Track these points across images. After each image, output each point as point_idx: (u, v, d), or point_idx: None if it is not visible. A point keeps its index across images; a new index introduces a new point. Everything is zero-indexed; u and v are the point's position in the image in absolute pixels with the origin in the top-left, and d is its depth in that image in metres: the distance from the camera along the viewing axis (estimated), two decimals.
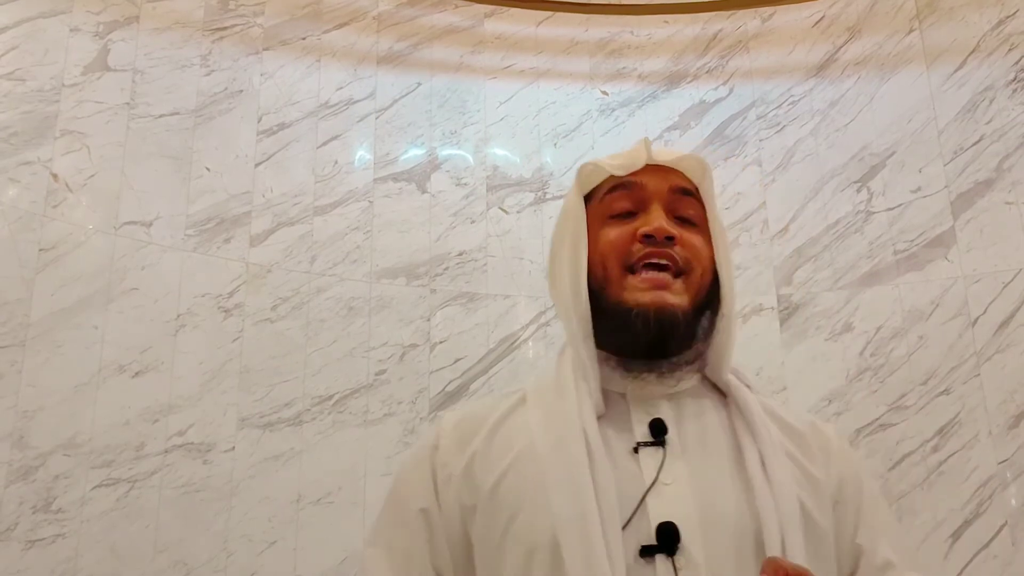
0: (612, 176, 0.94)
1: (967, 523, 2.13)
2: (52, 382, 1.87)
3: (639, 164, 0.94)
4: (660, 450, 0.85)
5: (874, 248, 2.40)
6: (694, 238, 0.92)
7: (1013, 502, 2.12)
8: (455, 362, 2.35)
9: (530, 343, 2.41)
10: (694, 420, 0.90)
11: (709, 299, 0.92)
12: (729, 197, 2.53)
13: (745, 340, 2.39)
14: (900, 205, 2.41)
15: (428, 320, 2.37)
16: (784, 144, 2.55)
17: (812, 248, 2.45)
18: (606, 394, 0.90)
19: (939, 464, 2.19)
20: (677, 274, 0.89)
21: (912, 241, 2.37)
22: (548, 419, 0.89)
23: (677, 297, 0.88)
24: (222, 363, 2.12)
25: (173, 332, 2.06)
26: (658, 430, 0.87)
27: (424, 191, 2.49)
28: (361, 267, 2.36)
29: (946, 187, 2.37)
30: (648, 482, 0.83)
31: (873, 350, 2.32)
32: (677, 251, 0.89)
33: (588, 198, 0.97)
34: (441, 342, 2.36)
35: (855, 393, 2.30)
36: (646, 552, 0.79)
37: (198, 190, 2.20)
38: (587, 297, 0.90)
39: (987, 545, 2.11)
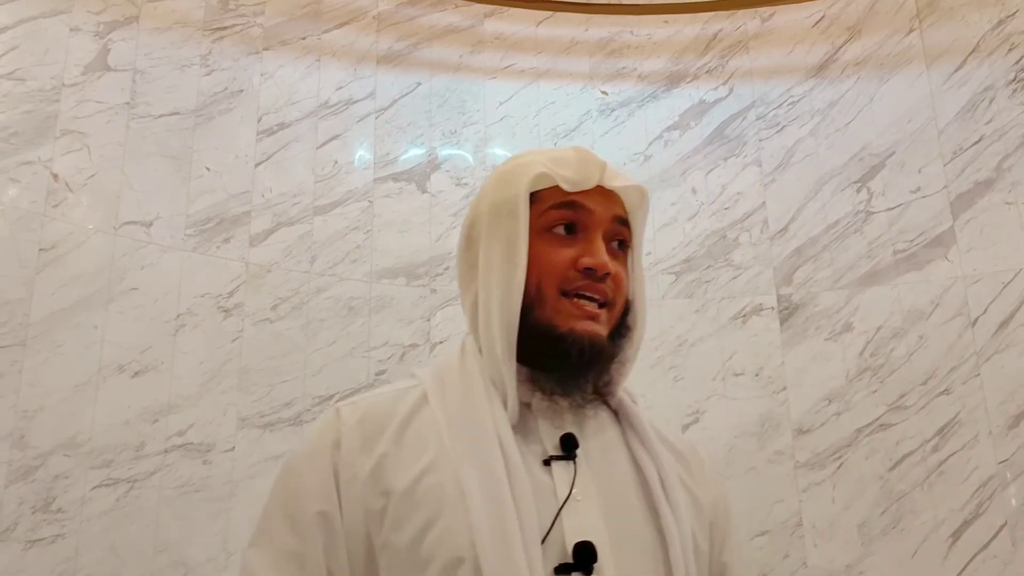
0: (558, 188, 0.92)
1: (967, 523, 2.13)
2: (52, 382, 1.87)
3: (591, 184, 0.92)
4: (571, 464, 0.85)
5: (874, 248, 2.40)
6: (620, 270, 0.93)
7: (1013, 502, 2.12)
8: None
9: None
10: (596, 436, 0.91)
11: (618, 325, 0.94)
12: (729, 197, 2.53)
13: (745, 340, 2.40)
14: (900, 205, 2.41)
15: (428, 320, 2.37)
16: (784, 144, 2.55)
17: (812, 248, 2.45)
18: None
19: (939, 464, 2.19)
20: (603, 306, 0.90)
21: (912, 241, 2.37)
22: (460, 423, 0.86)
23: (603, 328, 0.90)
24: (222, 363, 2.12)
25: (173, 332, 2.06)
26: (569, 444, 0.86)
27: (424, 191, 2.49)
28: (361, 267, 2.36)
29: (946, 187, 2.37)
30: (561, 497, 0.83)
31: (873, 350, 2.32)
32: (608, 285, 0.90)
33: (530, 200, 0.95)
34: (441, 342, 2.36)
35: (855, 393, 2.30)
36: (562, 570, 0.79)
37: (198, 190, 2.20)
38: (518, 313, 0.88)
39: (987, 545, 2.11)
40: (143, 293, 2.05)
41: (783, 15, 2.65)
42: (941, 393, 2.24)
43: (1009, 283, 2.25)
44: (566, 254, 0.90)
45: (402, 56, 2.58)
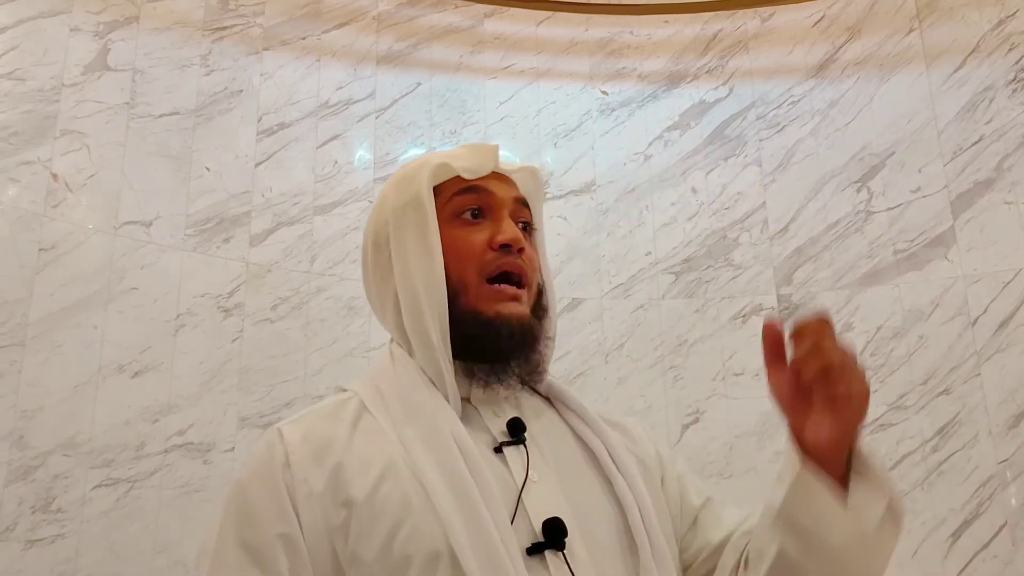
0: (458, 178, 0.94)
1: (967, 523, 2.13)
2: (52, 382, 1.87)
3: (487, 170, 0.95)
4: (522, 448, 0.87)
5: (874, 248, 2.40)
6: (531, 249, 0.95)
7: (1013, 502, 2.12)
8: None
9: None
10: (536, 419, 0.93)
11: (535, 306, 0.95)
12: (729, 197, 2.53)
13: (745, 340, 2.40)
14: (900, 205, 2.41)
15: None
16: (784, 144, 2.55)
17: (812, 248, 2.45)
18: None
19: (939, 464, 2.19)
20: (521, 287, 0.91)
21: (912, 241, 2.37)
22: (408, 423, 0.85)
23: (526, 308, 0.91)
24: (222, 363, 2.11)
25: (173, 332, 2.06)
26: (515, 428, 0.88)
27: None
28: (361, 267, 2.35)
29: (946, 187, 2.37)
30: (519, 480, 0.83)
31: (873, 350, 2.32)
32: (524, 262, 0.91)
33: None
34: None
35: None
36: (534, 550, 0.79)
37: (198, 190, 2.20)
38: (446, 301, 0.89)
39: (987, 545, 2.11)
40: (143, 293, 2.04)
41: (783, 15, 2.65)
42: (941, 393, 2.24)
43: (1009, 283, 2.25)
44: (479, 237, 0.91)
45: (402, 56, 2.58)
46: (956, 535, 2.14)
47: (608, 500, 0.87)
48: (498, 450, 0.87)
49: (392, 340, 0.97)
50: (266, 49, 2.41)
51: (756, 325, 2.41)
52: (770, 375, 0.81)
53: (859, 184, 2.46)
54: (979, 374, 2.21)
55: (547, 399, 0.98)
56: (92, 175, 2.03)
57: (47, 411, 1.84)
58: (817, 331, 0.76)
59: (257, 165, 2.31)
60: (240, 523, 0.82)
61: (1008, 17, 2.44)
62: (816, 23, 2.62)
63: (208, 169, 2.23)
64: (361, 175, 2.44)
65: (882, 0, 2.57)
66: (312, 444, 0.84)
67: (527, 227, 0.96)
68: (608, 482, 0.88)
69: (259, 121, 2.34)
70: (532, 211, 0.98)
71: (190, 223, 2.16)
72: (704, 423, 2.35)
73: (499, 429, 0.89)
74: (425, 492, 0.80)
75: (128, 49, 2.17)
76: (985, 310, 2.25)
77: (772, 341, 0.80)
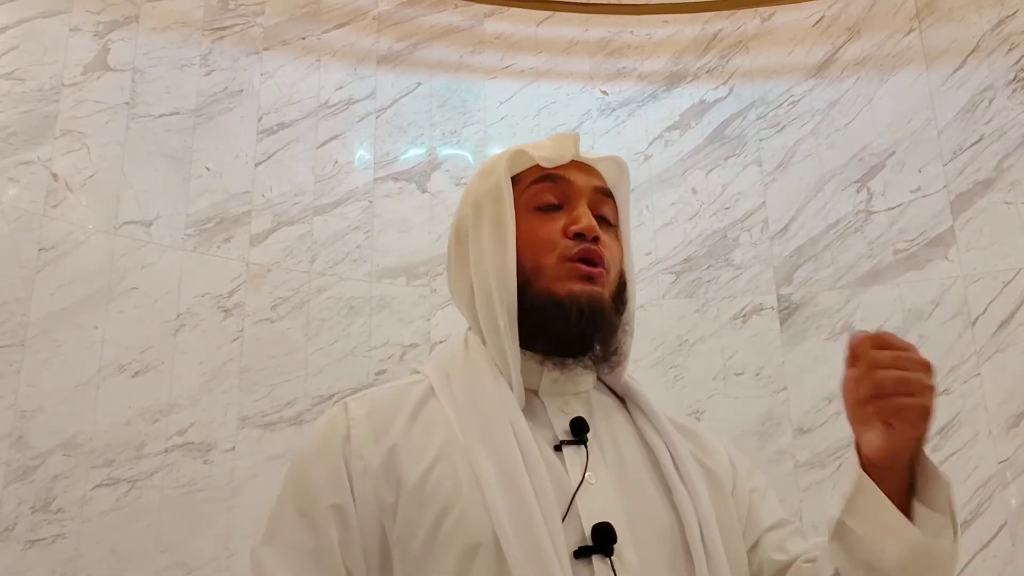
0: (537, 166, 0.94)
1: (967, 523, 2.13)
2: (52, 382, 1.86)
3: (566, 158, 0.94)
4: (582, 448, 0.85)
5: (874, 248, 2.40)
6: (610, 239, 0.93)
7: (1013, 502, 2.12)
8: None
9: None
10: (604, 419, 0.91)
11: (616, 299, 0.93)
12: (729, 197, 2.53)
13: (745, 340, 2.40)
14: (900, 205, 2.41)
15: (428, 320, 2.37)
16: (784, 144, 2.55)
17: (812, 248, 2.45)
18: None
19: (939, 464, 2.18)
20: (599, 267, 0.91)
21: (912, 241, 2.37)
22: (469, 411, 0.85)
23: (604, 289, 0.90)
24: (222, 363, 2.11)
25: (173, 332, 2.06)
26: (578, 428, 0.86)
27: (424, 191, 2.49)
28: (361, 267, 2.36)
29: (946, 187, 2.38)
30: (575, 481, 0.82)
31: None
32: (602, 251, 0.91)
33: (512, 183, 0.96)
34: (441, 342, 2.35)
35: None
36: (581, 553, 0.78)
37: (198, 190, 2.20)
38: (516, 289, 0.88)
39: (987, 545, 2.11)
40: (143, 293, 2.04)
41: (783, 15, 2.65)
42: (941, 393, 2.23)
43: (1009, 283, 2.25)
44: (555, 225, 0.91)
45: (402, 56, 2.58)
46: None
47: (667, 509, 0.85)
48: (558, 448, 0.85)
49: (469, 328, 0.97)
50: (266, 49, 2.41)
51: (756, 325, 2.41)
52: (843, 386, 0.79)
53: (859, 184, 2.46)
54: (979, 374, 2.21)
55: (622, 400, 0.96)
56: (92, 175, 2.03)
57: (47, 411, 1.84)
58: (877, 344, 0.76)
59: (257, 165, 2.31)
60: (298, 490, 0.85)
61: (1008, 17, 2.44)
62: (816, 23, 2.62)
63: (208, 169, 2.23)
64: (361, 175, 2.44)
65: (882, 0, 2.57)
66: (374, 421, 0.86)
67: (604, 220, 0.94)
68: (669, 491, 0.86)
69: (259, 121, 2.34)
70: (617, 202, 0.97)
71: (190, 223, 2.16)
72: (705, 423, 2.35)
73: (562, 427, 0.87)
74: (476, 482, 0.79)
75: (128, 49, 2.17)
76: (985, 310, 2.25)
77: (855, 353, 0.78)
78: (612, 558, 0.78)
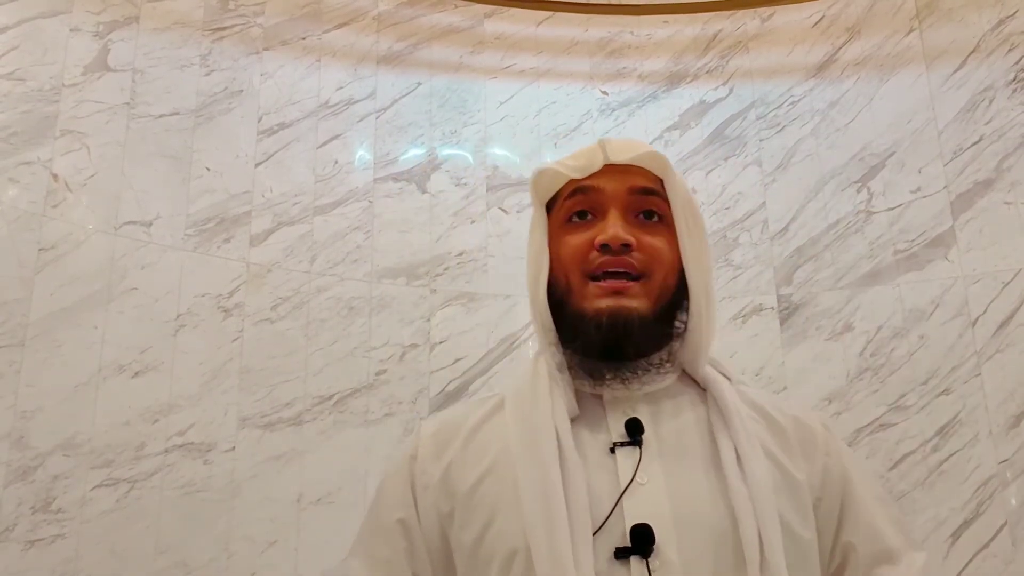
0: (572, 179, 0.93)
1: (967, 523, 2.13)
2: (52, 382, 1.86)
3: (596, 166, 0.92)
4: (636, 450, 0.85)
5: (874, 248, 2.40)
6: (655, 240, 0.91)
7: (1013, 502, 2.12)
8: (455, 362, 2.35)
9: (530, 343, 2.41)
10: (671, 419, 0.89)
11: (678, 298, 0.92)
12: (729, 197, 2.53)
13: (745, 340, 2.40)
14: (900, 205, 2.41)
15: (428, 320, 2.37)
16: (784, 144, 2.55)
17: (812, 248, 2.45)
18: (583, 396, 0.91)
19: (939, 464, 2.20)
20: (635, 279, 0.89)
21: (912, 241, 2.37)
22: (523, 422, 0.88)
23: (635, 301, 0.88)
24: (222, 363, 2.11)
25: (173, 332, 2.06)
26: (634, 429, 0.86)
27: (424, 191, 2.48)
28: (361, 267, 2.36)
29: (946, 187, 2.38)
30: (624, 483, 0.83)
31: (873, 350, 2.32)
32: (635, 256, 0.89)
33: (553, 201, 0.97)
34: (441, 342, 2.35)
35: (855, 393, 2.30)
36: (621, 554, 0.79)
37: (198, 190, 2.20)
38: (547, 306, 0.91)
39: (987, 545, 2.11)
40: (143, 293, 2.04)
41: (783, 15, 2.65)
42: (941, 393, 2.24)
43: (1009, 283, 2.25)
44: (582, 238, 0.91)
45: (402, 56, 2.58)
46: (956, 535, 2.14)
47: (720, 509, 0.82)
48: (613, 451, 0.86)
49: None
50: (266, 49, 2.41)
51: (756, 325, 2.41)
52: None
53: (859, 184, 2.46)
54: (979, 374, 2.21)
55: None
56: (92, 175, 2.03)
57: (47, 411, 1.84)
58: None
59: (257, 165, 2.31)
60: (377, 504, 0.95)
61: (1008, 17, 2.44)
62: (816, 23, 2.62)
63: (208, 169, 2.23)
64: (361, 175, 2.44)
65: (882, 0, 2.57)
66: (438, 439, 0.93)
67: (650, 215, 0.92)
68: (727, 494, 0.84)
69: (259, 121, 2.34)
70: (668, 192, 0.93)
71: (190, 223, 2.16)
72: None
73: (619, 430, 0.87)
74: (517, 490, 0.83)
75: (128, 49, 2.17)
76: (985, 310, 2.25)
77: None
78: (650, 559, 0.78)
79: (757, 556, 0.79)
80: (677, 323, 0.92)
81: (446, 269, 2.43)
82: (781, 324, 2.40)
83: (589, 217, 0.92)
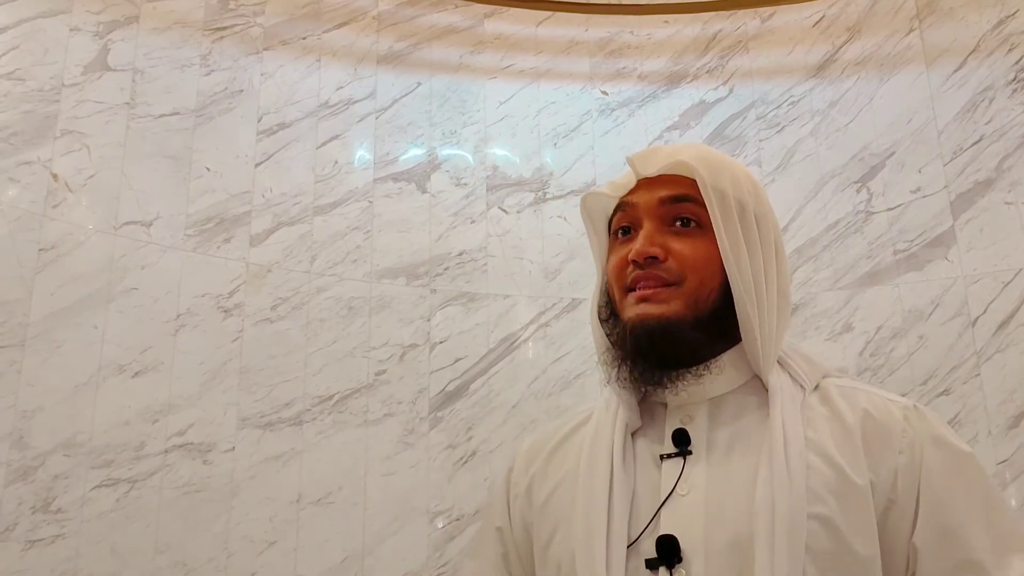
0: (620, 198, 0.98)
1: None
2: (52, 382, 1.86)
3: (632, 183, 0.96)
4: (681, 460, 0.86)
5: (874, 248, 2.40)
6: (686, 246, 0.90)
7: (1013, 502, 2.12)
8: (455, 362, 2.35)
9: (530, 343, 2.41)
10: (729, 424, 0.88)
11: (724, 302, 0.90)
12: None
13: None
14: (900, 205, 2.41)
15: (428, 320, 2.37)
16: (784, 144, 2.55)
17: (812, 248, 2.45)
18: (654, 406, 0.94)
19: None
20: (668, 285, 0.89)
21: (912, 241, 2.37)
22: (594, 436, 0.94)
23: (662, 306, 0.88)
24: (222, 363, 2.11)
25: (173, 332, 2.06)
26: (680, 440, 0.87)
27: (424, 191, 2.49)
28: (361, 267, 2.36)
29: (946, 187, 2.37)
30: (664, 494, 0.84)
31: (873, 350, 2.32)
32: (666, 267, 0.89)
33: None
34: (441, 342, 2.36)
35: None
36: (651, 565, 0.81)
37: (198, 190, 2.20)
38: (599, 323, 0.98)
39: None
40: (143, 293, 2.04)
41: (783, 15, 2.65)
42: (941, 393, 2.24)
43: (1009, 283, 2.25)
44: (621, 254, 0.94)
45: (402, 56, 2.58)
46: None
47: (751, 524, 0.80)
48: (662, 461, 0.89)
49: None
50: (266, 49, 2.41)
51: None
52: None
53: (859, 184, 2.46)
54: (979, 374, 2.21)
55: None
56: (92, 175, 2.03)
57: (47, 411, 1.84)
58: None
59: (257, 165, 2.31)
60: (486, 511, 1.08)
61: (1008, 17, 2.44)
62: (816, 23, 2.62)
63: (208, 169, 2.23)
64: (361, 175, 2.44)
65: (882, 0, 2.57)
66: (530, 453, 1.01)
67: (687, 221, 0.91)
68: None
69: (259, 121, 2.34)
70: (706, 194, 0.90)
71: (190, 223, 2.16)
72: None
73: (670, 440, 0.89)
74: (575, 503, 0.88)
75: (128, 49, 2.17)
76: (985, 310, 2.25)
77: None
78: (674, 571, 0.80)
79: (768, 569, 0.75)
80: (722, 326, 0.91)
81: (446, 269, 2.43)
82: None
83: (632, 233, 0.95)
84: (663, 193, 0.93)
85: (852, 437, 0.85)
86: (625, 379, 0.92)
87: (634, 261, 0.90)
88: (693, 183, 0.92)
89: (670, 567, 0.80)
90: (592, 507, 0.85)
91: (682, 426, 0.89)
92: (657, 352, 0.88)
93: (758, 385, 0.92)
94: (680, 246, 0.90)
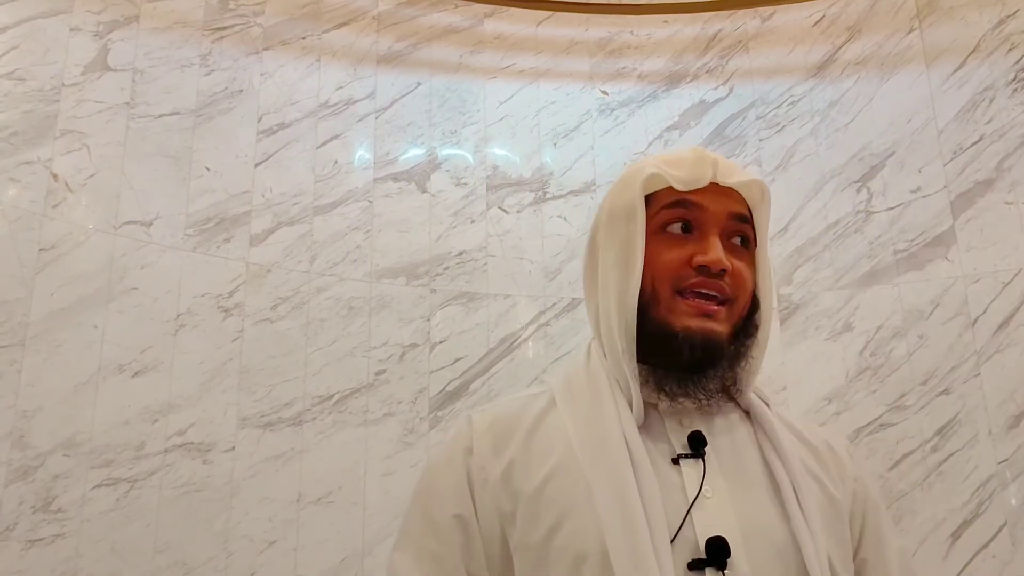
0: (671, 188, 0.92)
1: (967, 523, 2.13)
2: (52, 382, 1.87)
3: (703, 182, 0.92)
4: (700, 462, 0.86)
5: (874, 248, 2.40)
6: (742, 266, 0.92)
7: (1013, 502, 2.12)
8: (455, 362, 2.35)
9: (530, 343, 2.41)
10: (725, 434, 0.91)
11: (747, 322, 0.93)
12: None
13: None
14: (900, 205, 2.41)
15: (428, 320, 2.37)
16: (784, 144, 2.55)
17: (812, 248, 2.45)
18: (644, 405, 0.91)
19: (939, 464, 2.19)
20: (722, 303, 0.90)
21: (912, 241, 2.37)
22: (587, 425, 0.88)
23: (721, 325, 0.89)
24: (222, 363, 2.11)
25: (173, 332, 2.06)
26: (697, 442, 0.87)
27: (424, 191, 2.49)
28: (361, 267, 2.36)
29: (946, 187, 2.37)
30: (691, 494, 0.84)
31: (873, 350, 2.32)
32: (727, 282, 0.89)
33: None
34: (441, 342, 2.36)
35: (855, 393, 2.30)
36: (695, 566, 0.79)
37: (198, 190, 2.20)
38: (635, 316, 0.89)
39: (987, 545, 2.11)
40: (143, 293, 2.04)
41: (783, 15, 2.65)
42: (941, 393, 2.24)
43: (1009, 283, 2.25)
44: (680, 252, 0.90)
45: (402, 56, 2.58)
46: (956, 535, 2.14)
47: (783, 529, 0.84)
48: (676, 462, 0.87)
49: (593, 337, 0.98)
50: (266, 49, 2.41)
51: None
52: None
53: (859, 184, 2.46)
54: (979, 374, 2.21)
55: (748, 414, 0.95)
56: (92, 175, 2.03)
57: (47, 411, 1.84)
58: None
59: (257, 165, 2.31)
60: (426, 499, 0.91)
61: (1008, 17, 2.44)
62: (816, 23, 2.62)
63: (208, 169, 2.23)
64: (361, 175, 2.44)
65: (882, 0, 2.57)
66: (495, 434, 0.91)
67: (745, 241, 0.93)
68: (786, 514, 0.85)
69: (259, 121, 2.34)
70: (756, 224, 0.95)
71: (190, 223, 2.16)
72: None
73: (681, 441, 0.88)
74: (589, 496, 0.83)
75: (128, 49, 2.17)
76: (985, 310, 2.25)
77: None
78: (726, 571, 0.79)
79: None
80: (739, 345, 0.93)
81: (446, 269, 2.43)
82: (781, 324, 2.40)
83: (689, 232, 0.91)
84: (735, 208, 0.92)
85: (819, 455, 0.93)
86: (635, 377, 0.89)
87: (703, 267, 0.88)
88: (747, 205, 0.94)
89: (721, 568, 0.79)
90: (625, 501, 0.81)
91: (686, 429, 0.89)
92: (703, 366, 0.89)
93: (729, 402, 0.95)
94: (739, 264, 0.91)
